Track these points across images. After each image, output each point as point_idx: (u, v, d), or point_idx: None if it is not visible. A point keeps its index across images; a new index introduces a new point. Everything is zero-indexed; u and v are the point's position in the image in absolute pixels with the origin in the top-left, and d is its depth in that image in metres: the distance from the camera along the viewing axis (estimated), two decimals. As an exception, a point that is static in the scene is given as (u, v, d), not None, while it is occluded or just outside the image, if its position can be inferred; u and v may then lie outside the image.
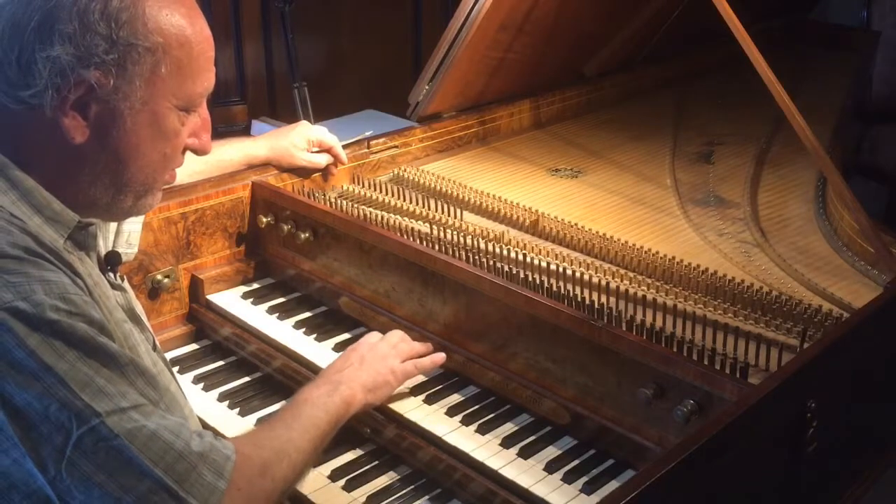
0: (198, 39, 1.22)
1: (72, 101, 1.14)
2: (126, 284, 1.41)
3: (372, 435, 1.71)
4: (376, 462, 1.66)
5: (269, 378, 1.91)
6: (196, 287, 2.07)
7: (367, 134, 2.33)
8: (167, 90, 1.20)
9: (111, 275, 1.36)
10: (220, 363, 1.98)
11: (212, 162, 2.01)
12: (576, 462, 1.56)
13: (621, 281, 1.78)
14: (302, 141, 2.14)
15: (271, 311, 2.02)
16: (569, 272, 1.80)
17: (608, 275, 1.80)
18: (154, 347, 1.40)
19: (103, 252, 1.38)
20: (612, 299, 1.70)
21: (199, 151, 1.31)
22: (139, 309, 1.41)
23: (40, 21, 1.11)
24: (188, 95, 1.23)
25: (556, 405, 1.64)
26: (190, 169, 1.95)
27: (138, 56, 1.16)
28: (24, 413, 1.07)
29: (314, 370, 1.83)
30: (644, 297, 1.73)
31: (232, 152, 2.09)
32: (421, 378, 1.78)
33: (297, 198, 2.06)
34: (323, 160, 2.17)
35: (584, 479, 1.52)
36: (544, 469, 1.54)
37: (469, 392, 1.74)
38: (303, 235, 2.02)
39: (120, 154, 1.20)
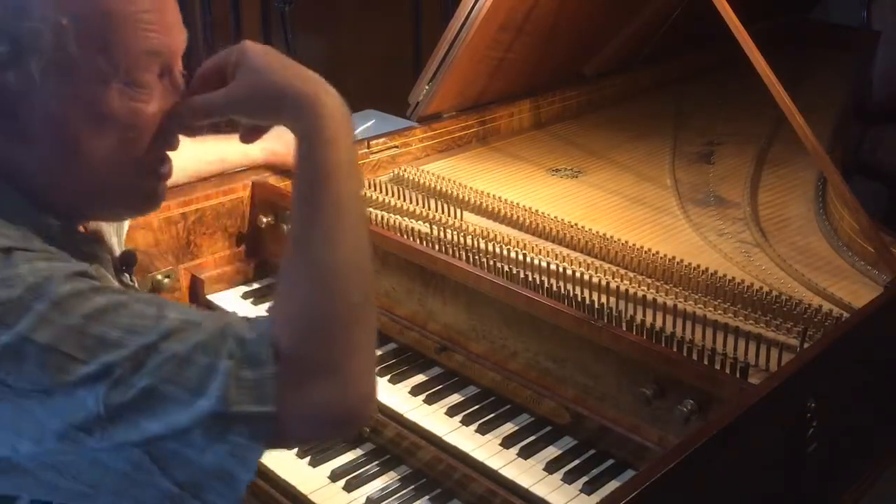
0: (119, 1, 1.04)
1: None
2: (136, 286, 1.34)
3: (372, 435, 1.71)
4: (376, 462, 1.66)
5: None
6: (196, 287, 2.07)
7: (369, 125, 2.32)
8: (90, 70, 1.04)
9: (126, 276, 1.29)
10: (220, 363, 1.97)
11: (214, 161, 2.01)
12: (576, 462, 1.56)
13: (621, 281, 1.78)
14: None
15: (271, 311, 2.02)
16: (569, 272, 1.80)
17: (608, 275, 1.80)
18: None
19: (118, 252, 1.31)
20: (612, 299, 1.70)
21: (181, 116, 1.14)
22: None
23: None
24: (126, 67, 1.05)
25: (556, 405, 1.64)
26: (192, 169, 1.95)
27: (34, 41, 1.00)
28: None
29: (314, 370, 1.83)
30: (644, 297, 1.73)
31: (231, 152, 2.08)
32: (421, 378, 1.78)
33: (297, 198, 2.06)
34: None
35: (584, 479, 1.52)
36: (544, 469, 1.54)
37: (469, 392, 1.74)
38: (303, 235, 2.02)
39: (68, 152, 1.07)
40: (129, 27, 1.05)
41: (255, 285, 2.13)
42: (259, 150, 2.12)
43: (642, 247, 1.90)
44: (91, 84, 1.05)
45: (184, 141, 1.20)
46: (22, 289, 0.96)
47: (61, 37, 1.02)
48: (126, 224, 1.44)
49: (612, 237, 1.95)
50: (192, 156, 1.93)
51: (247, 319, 1.05)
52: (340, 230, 1.06)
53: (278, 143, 2.14)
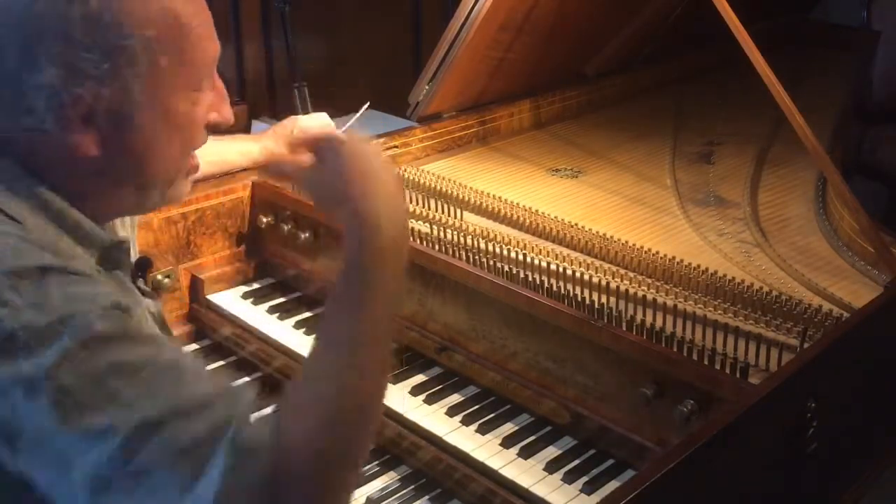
0: (188, 13, 1.10)
1: (77, 118, 1.07)
2: (150, 290, 1.34)
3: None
4: (376, 462, 1.66)
5: (269, 378, 1.91)
6: (196, 287, 2.07)
7: (364, 108, 2.33)
8: (171, 79, 1.10)
9: (141, 281, 1.29)
10: (220, 363, 1.98)
11: (216, 162, 2.02)
12: (576, 462, 1.56)
13: (621, 281, 1.78)
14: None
15: (271, 311, 2.02)
16: (569, 272, 1.80)
17: (608, 275, 1.80)
18: None
19: (133, 258, 1.31)
20: (612, 299, 1.70)
21: (222, 124, 1.22)
22: None
23: (22, 46, 1.03)
24: (194, 75, 1.13)
25: (556, 405, 1.64)
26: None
27: (132, 56, 1.06)
28: None
29: (314, 370, 1.84)
30: (644, 297, 1.73)
31: (230, 152, 2.08)
32: (421, 378, 1.78)
33: (298, 198, 2.06)
34: None
35: (584, 479, 1.52)
36: (544, 469, 1.54)
37: (469, 392, 1.75)
38: (303, 235, 2.02)
39: (138, 156, 1.12)
40: (197, 37, 1.12)
41: (255, 285, 2.13)
42: (258, 149, 2.12)
43: (642, 247, 1.90)
44: (171, 93, 1.11)
45: None
46: (53, 316, 0.96)
47: (152, 50, 1.07)
48: (136, 228, 1.45)
49: (612, 237, 1.95)
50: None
51: (254, 410, 1.03)
52: (359, 364, 1.04)
53: (277, 142, 2.14)
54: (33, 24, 1.03)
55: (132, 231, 1.37)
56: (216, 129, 1.23)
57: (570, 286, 1.74)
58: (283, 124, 2.19)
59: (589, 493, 1.49)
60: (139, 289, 1.27)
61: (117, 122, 1.09)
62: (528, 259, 1.83)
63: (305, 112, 2.92)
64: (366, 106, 2.33)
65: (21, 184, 1.08)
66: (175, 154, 1.16)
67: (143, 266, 1.32)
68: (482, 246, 1.87)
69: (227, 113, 1.21)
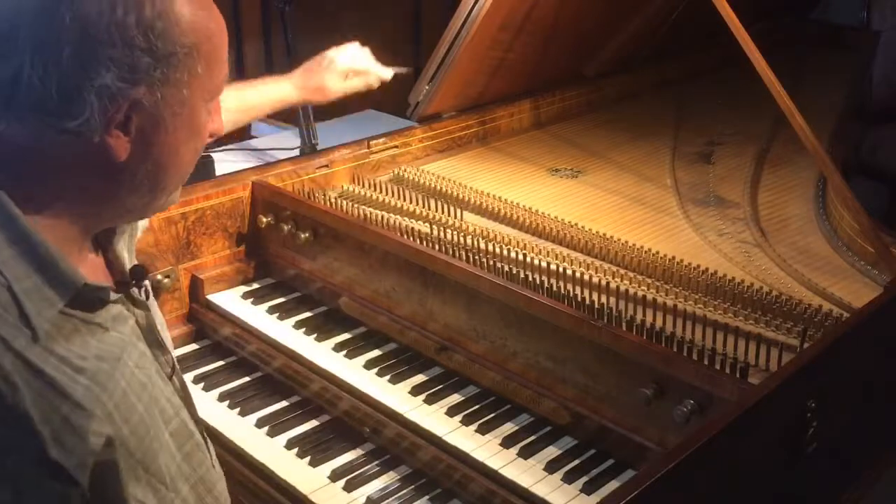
0: (218, 27, 1.16)
1: (119, 121, 1.09)
2: (152, 300, 1.32)
3: (372, 435, 1.71)
4: (376, 462, 1.66)
5: (269, 378, 1.91)
6: (196, 287, 2.07)
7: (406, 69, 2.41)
8: (203, 87, 1.16)
9: (136, 290, 1.27)
10: (220, 363, 1.98)
11: (233, 108, 2.03)
12: (576, 462, 1.56)
13: (621, 281, 1.78)
14: (334, 78, 2.24)
15: (271, 311, 2.02)
16: (569, 272, 1.80)
17: (608, 275, 1.80)
18: (172, 371, 1.31)
19: (128, 266, 1.30)
20: (612, 299, 1.70)
21: (215, 133, 1.26)
22: (160, 321, 1.34)
23: (78, 47, 1.04)
24: (216, 86, 1.19)
25: (556, 405, 1.64)
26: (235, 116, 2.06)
27: (178, 62, 1.11)
28: None
29: (314, 370, 1.84)
30: (644, 297, 1.73)
31: (256, 97, 2.12)
32: (421, 378, 1.78)
33: (297, 198, 2.06)
34: (359, 83, 2.28)
35: (584, 479, 1.52)
36: (544, 469, 1.54)
37: (469, 392, 1.75)
38: (303, 235, 2.02)
39: (161, 161, 1.16)
40: (220, 52, 1.18)
41: (255, 285, 2.13)
42: (293, 91, 2.24)
43: (642, 247, 1.90)
44: (199, 99, 1.16)
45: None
46: None
47: (192, 59, 1.12)
48: (138, 234, 1.43)
49: (612, 237, 1.95)
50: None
51: None
52: None
53: (309, 78, 2.26)
54: (88, 28, 1.04)
55: (131, 241, 1.36)
56: (209, 138, 1.27)
57: (569, 286, 1.74)
58: (316, 59, 2.29)
59: (589, 493, 1.49)
60: (133, 298, 1.24)
61: (153, 127, 1.12)
62: (528, 259, 1.83)
63: (305, 112, 2.92)
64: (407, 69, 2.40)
65: (3, 212, 1.08)
66: (189, 160, 1.21)
67: (138, 275, 1.29)
68: (482, 246, 1.87)
69: (220, 123, 1.27)
